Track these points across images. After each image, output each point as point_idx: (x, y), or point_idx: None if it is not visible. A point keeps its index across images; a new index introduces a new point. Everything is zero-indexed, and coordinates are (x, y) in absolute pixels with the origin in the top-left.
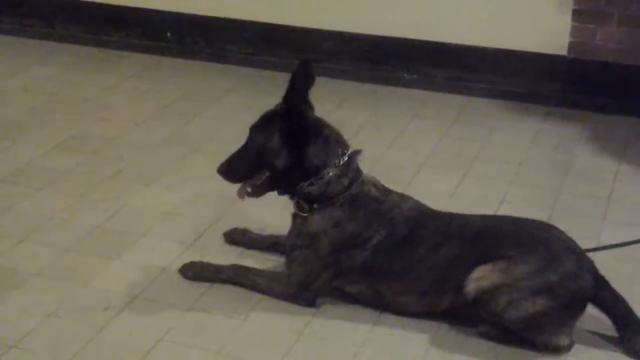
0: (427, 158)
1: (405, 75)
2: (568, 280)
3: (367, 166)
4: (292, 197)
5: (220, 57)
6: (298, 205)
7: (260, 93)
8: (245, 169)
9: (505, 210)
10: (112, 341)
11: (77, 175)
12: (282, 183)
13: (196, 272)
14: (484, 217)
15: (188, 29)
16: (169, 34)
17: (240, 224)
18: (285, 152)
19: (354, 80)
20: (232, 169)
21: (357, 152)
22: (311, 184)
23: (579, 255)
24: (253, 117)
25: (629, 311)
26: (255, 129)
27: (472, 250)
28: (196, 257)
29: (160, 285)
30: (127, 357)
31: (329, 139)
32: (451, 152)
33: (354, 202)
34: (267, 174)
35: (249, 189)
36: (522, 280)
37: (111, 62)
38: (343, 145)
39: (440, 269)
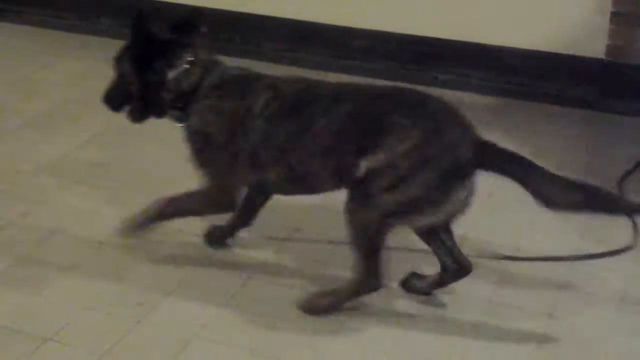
0: None
1: (438, 75)
2: (446, 151)
3: None
4: (173, 119)
5: (254, 53)
6: (174, 120)
7: None
8: (118, 98)
9: (541, 215)
10: (146, 336)
11: (111, 168)
12: (149, 107)
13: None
14: (374, 86)
15: (223, 24)
16: (203, 30)
17: (269, 214)
18: (136, 75)
19: (385, 79)
20: (108, 98)
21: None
22: (163, 90)
23: (464, 126)
24: None
25: (529, 164)
26: (115, 59)
27: (364, 114)
28: (233, 250)
29: (195, 281)
30: (160, 352)
31: (168, 49)
32: None
33: (220, 87)
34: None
35: (128, 117)
36: (402, 159)
37: None
38: (192, 52)
39: (333, 131)
